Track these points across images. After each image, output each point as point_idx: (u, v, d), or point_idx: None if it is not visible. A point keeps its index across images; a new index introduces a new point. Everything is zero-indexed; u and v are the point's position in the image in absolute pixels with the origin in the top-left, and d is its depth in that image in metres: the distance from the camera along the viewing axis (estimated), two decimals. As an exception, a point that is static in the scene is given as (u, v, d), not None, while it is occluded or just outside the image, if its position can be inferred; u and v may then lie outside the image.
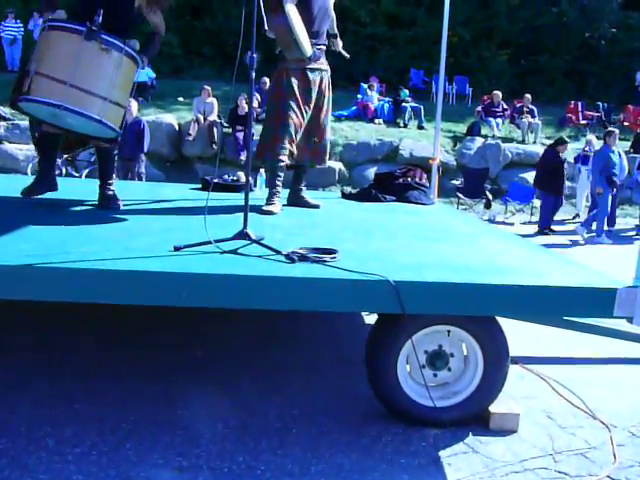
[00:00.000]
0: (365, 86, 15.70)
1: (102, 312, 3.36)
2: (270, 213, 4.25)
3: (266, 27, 3.43)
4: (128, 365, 3.60)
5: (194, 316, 3.99)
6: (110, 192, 4.16)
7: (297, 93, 4.36)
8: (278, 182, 4.43)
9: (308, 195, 4.86)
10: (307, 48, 4.22)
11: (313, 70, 4.43)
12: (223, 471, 2.60)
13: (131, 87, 3.79)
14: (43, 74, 3.46)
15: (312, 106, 4.47)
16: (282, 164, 4.39)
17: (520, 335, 3.77)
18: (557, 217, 11.88)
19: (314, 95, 4.46)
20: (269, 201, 4.37)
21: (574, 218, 11.66)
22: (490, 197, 11.22)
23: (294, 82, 4.35)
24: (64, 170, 11.01)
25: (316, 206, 4.74)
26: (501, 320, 3.10)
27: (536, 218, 11.44)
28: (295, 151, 4.43)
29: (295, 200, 4.75)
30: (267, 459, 2.70)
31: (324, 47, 4.52)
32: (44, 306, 2.94)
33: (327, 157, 4.78)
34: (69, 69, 3.43)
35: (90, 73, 3.50)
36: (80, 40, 3.47)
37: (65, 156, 10.68)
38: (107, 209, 4.10)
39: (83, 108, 3.46)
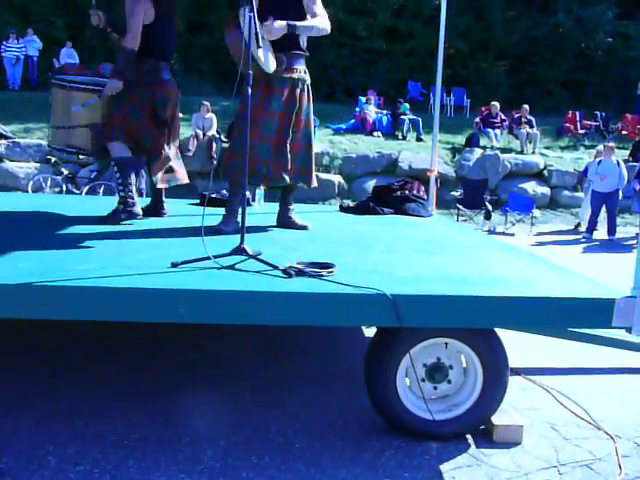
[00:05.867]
0: (363, 99, 15.77)
1: (102, 328, 3.36)
2: (221, 232, 3.91)
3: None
4: (129, 381, 3.59)
5: (193, 332, 3.99)
6: (120, 205, 4.24)
7: (258, 106, 3.92)
8: (234, 201, 4.10)
9: (296, 215, 4.48)
10: (269, 63, 3.82)
11: (281, 79, 3.99)
12: (225, 488, 2.60)
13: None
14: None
15: (281, 118, 4.04)
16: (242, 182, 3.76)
17: (521, 346, 3.77)
18: (558, 227, 11.90)
19: (281, 105, 4.02)
20: (222, 220, 4.07)
21: (575, 228, 11.64)
22: (490, 208, 11.24)
23: (255, 94, 3.83)
24: (64, 187, 11.06)
25: (304, 227, 4.40)
26: (502, 331, 3.10)
27: (537, 229, 11.45)
28: (262, 169, 4.02)
29: (283, 221, 4.43)
30: (270, 474, 2.69)
31: (300, 53, 4.07)
32: (43, 322, 2.94)
33: (311, 176, 4.29)
34: (58, 114, 4.48)
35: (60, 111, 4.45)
36: (56, 89, 4.46)
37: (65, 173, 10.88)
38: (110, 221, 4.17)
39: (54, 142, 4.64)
